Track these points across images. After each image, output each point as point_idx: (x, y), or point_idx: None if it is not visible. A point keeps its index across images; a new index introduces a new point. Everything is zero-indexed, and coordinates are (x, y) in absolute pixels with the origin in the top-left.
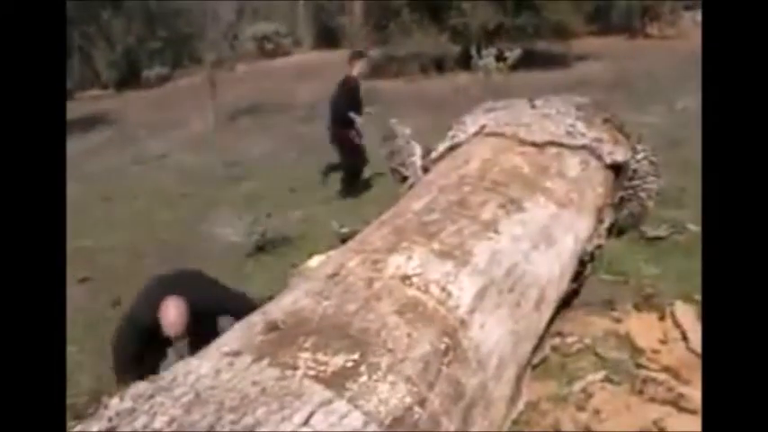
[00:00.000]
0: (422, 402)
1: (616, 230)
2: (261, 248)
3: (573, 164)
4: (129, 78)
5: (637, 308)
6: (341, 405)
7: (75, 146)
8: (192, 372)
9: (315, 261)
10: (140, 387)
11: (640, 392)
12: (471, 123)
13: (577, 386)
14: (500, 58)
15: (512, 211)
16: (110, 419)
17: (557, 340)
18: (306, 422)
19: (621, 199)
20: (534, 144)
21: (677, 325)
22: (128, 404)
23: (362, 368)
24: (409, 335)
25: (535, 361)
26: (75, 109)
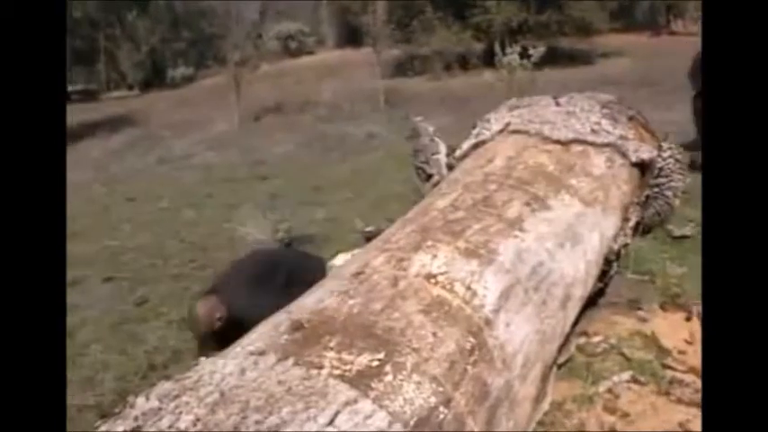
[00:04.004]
0: (447, 402)
1: (642, 229)
2: (286, 247)
3: (598, 162)
4: (153, 79)
5: (663, 308)
6: (366, 405)
7: (101, 146)
8: (217, 371)
9: (339, 259)
10: (166, 386)
11: (667, 393)
12: (496, 121)
13: (603, 386)
14: (524, 55)
15: (537, 210)
16: (135, 419)
17: (582, 340)
18: (331, 422)
19: (647, 197)
20: (559, 142)
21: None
22: (154, 403)
23: (387, 368)
24: (434, 334)
25: (560, 360)
26: (100, 110)
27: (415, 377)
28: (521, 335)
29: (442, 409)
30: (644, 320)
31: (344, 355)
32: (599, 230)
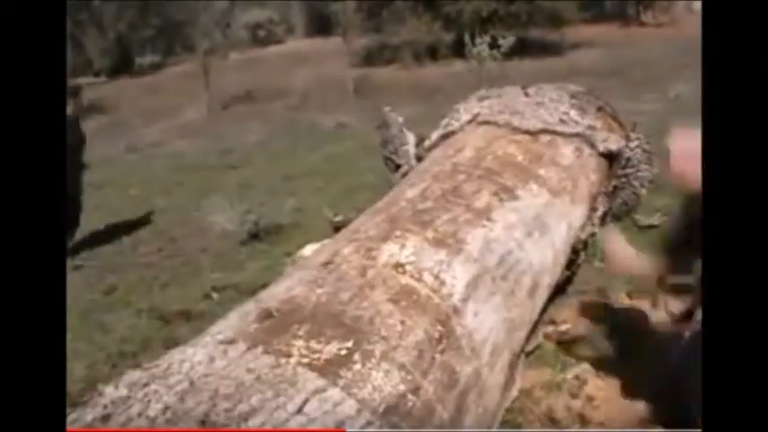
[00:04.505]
0: (416, 390)
1: (609, 219)
2: (254, 236)
3: (566, 152)
4: (121, 66)
5: (629, 296)
6: (335, 393)
7: None
8: (186, 360)
9: (308, 249)
10: (135, 375)
11: None
12: (465, 111)
13: (571, 373)
14: (493, 45)
15: (505, 200)
16: (105, 407)
17: (550, 328)
18: (300, 410)
19: (615, 187)
20: (528, 132)
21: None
22: (123, 392)
23: (356, 356)
24: (403, 323)
25: (529, 348)
26: None
27: (384, 365)
28: (489, 323)
29: (410, 396)
30: None
31: (313, 344)
32: (567, 220)
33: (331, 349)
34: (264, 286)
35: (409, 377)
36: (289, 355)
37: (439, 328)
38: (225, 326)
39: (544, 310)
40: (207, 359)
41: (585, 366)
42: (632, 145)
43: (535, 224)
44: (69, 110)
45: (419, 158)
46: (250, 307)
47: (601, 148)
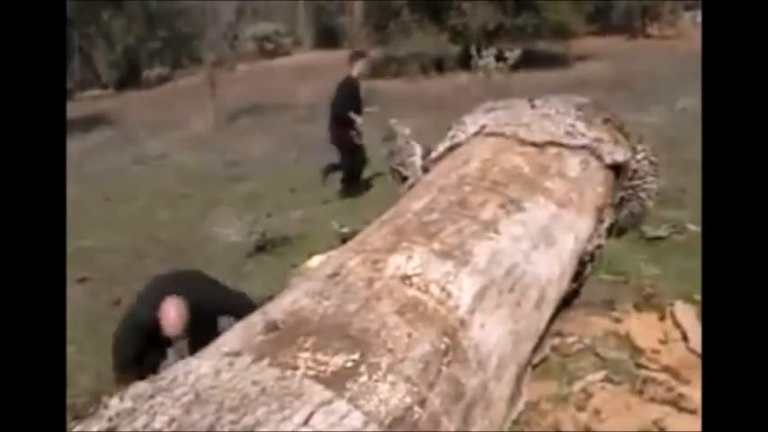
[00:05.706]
0: (422, 402)
1: (616, 230)
2: (261, 248)
3: (573, 164)
4: (129, 78)
5: (637, 308)
6: (341, 405)
7: (75, 146)
8: (191, 372)
9: (315, 261)
10: (140, 387)
11: (640, 392)
12: (471, 123)
13: (577, 386)
14: (500, 58)
15: (512, 211)
16: (110, 419)
17: (557, 340)
18: (306, 422)
19: (621, 199)
20: (534, 144)
21: (677, 325)
22: (128, 404)
23: (362, 368)
24: (409, 335)
25: (535, 361)
26: (75, 109)
27: (390, 377)
28: (495, 335)
29: (416, 408)
30: (618, 321)
31: (319, 356)
32: (573, 232)
33: (337, 361)
34: (271, 298)
35: (415, 389)
36: (295, 368)
37: (445, 340)
38: (230, 338)
39: (551, 322)
40: (212, 371)
41: (592, 379)
42: (639, 157)
43: (541, 236)
44: (356, 71)
45: (426, 170)
46: (256, 319)
47: (607, 159)
